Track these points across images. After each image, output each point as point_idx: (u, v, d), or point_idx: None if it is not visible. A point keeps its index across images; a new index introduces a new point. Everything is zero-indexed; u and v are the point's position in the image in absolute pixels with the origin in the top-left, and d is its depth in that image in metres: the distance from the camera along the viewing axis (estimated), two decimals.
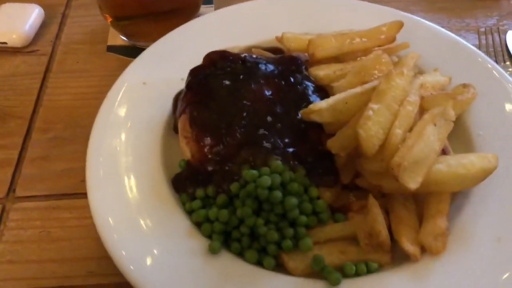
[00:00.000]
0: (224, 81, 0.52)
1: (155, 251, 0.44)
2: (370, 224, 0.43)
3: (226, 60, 0.53)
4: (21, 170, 0.58)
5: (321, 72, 0.53)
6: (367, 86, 0.46)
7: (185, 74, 0.55)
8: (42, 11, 0.74)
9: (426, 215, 0.44)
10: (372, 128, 0.43)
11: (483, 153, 0.47)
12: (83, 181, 0.53)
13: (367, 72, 0.50)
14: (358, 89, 0.46)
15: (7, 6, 0.73)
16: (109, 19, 0.69)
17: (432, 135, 0.44)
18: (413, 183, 0.42)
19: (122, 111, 0.54)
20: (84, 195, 0.52)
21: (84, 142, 0.55)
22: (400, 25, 0.56)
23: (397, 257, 0.43)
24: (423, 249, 0.43)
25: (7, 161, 0.58)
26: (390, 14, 0.62)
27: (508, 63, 0.65)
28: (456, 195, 0.47)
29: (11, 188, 0.56)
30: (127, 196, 0.48)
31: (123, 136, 0.52)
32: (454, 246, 0.43)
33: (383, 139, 0.43)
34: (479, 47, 0.67)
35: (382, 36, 0.55)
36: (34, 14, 0.72)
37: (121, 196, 0.48)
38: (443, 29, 0.62)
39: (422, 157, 0.42)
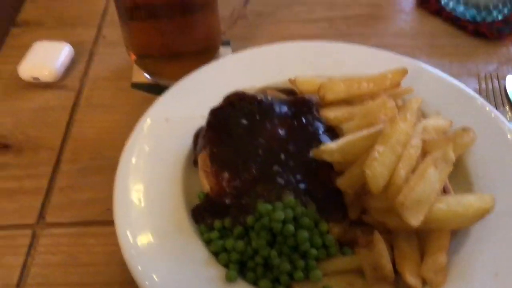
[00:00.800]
0: (241, 121, 0.56)
1: (176, 278, 0.47)
2: (376, 258, 0.47)
3: (243, 101, 0.58)
4: (50, 198, 0.61)
5: (331, 114, 0.57)
6: (373, 129, 0.50)
7: (205, 112, 0.59)
8: (71, 49, 0.79)
9: (427, 250, 0.48)
10: (377, 169, 0.47)
11: (481, 193, 0.51)
12: (108, 209, 0.58)
13: (374, 116, 0.54)
14: (365, 132, 0.50)
15: (39, 44, 0.78)
16: (134, 57, 0.75)
17: (433, 177, 0.48)
18: (415, 220, 0.45)
19: (146, 146, 0.58)
20: (108, 222, 0.56)
21: (109, 173, 0.59)
22: (404, 72, 0.60)
23: None
24: (424, 282, 0.47)
25: (37, 189, 0.62)
26: (395, 60, 0.67)
27: (507, 107, 0.69)
28: (456, 232, 0.50)
29: (41, 215, 0.60)
30: (150, 225, 0.52)
31: (147, 169, 0.56)
32: (454, 280, 0.47)
33: (387, 179, 0.47)
34: (479, 92, 0.71)
35: (388, 82, 0.59)
36: (64, 52, 0.77)
37: (145, 225, 0.51)
38: (444, 75, 0.66)
39: (423, 196, 0.46)
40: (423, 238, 0.49)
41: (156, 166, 0.57)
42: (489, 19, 0.81)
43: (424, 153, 0.51)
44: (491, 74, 0.74)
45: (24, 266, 0.55)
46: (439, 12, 0.86)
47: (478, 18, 0.82)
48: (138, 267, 0.48)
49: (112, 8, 0.89)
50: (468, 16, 0.82)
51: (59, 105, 0.73)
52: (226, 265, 0.49)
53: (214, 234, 0.50)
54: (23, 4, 0.92)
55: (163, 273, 0.48)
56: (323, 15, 0.88)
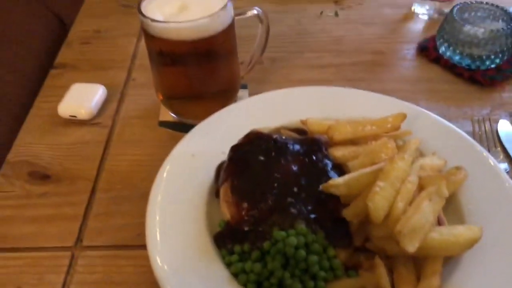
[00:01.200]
0: (259, 157, 0.63)
1: None
2: (377, 280, 0.53)
3: (261, 140, 0.65)
4: (87, 223, 0.67)
5: (339, 152, 0.64)
6: (375, 167, 0.57)
7: (226, 148, 0.66)
8: (105, 90, 0.86)
9: (422, 274, 0.53)
10: (378, 202, 0.53)
11: (470, 225, 0.57)
12: (139, 234, 0.64)
13: (376, 155, 0.61)
14: (368, 169, 0.57)
15: (77, 85, 0.86)
16: (161, 98, 0.82)
17: (427, 209, 0.54)
18: (411, 247, 0.51)
19: (174, 178, 0.65)
20: (139, 247, 0.63)
21: (139, 202, 0.66)
22: (403, 116, 0.67)
23: None
24: None
25: (75, 216, 0.68)
26: (397, 104, 0.74)
27: (498, 149, 0.76)
28: (449, 259, 0.56)
29: (79, 238, 0.65)
30: (177, 249, 0.58)
31: (174, 199, 0.63)
32: None
33: (387, 211, 0.54)
34: (473, 134, 0.77)
35: (389, 125, 0.67)
36: (98, 93, 0.85)
37: (173, 249, 0.58)
38: (441, 118, 0.72)
39: (418, 226, 0.52)
40: (419, 263, 0.54)
41: (183, 196, 0.64)
42: (483, 67, 0.89)
43: (421, 188, 0.57)
44: (484, 118, 0.80)
45: (64, 284, 0.60)
46: (438, 60, 0.93)
47: (473, 66, 0.89)
48: (167, 286, 0.54)
49: (140, 53, 0.98)
50: (463, 64, 0.90)
51: (94, 140, 0.79)
52: (244, 285, 0.54)
53: (234, 258, 0.56)
54: (59, 49, 1.01)
55: None
56: (331, 62, 0.94)
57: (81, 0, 1.19)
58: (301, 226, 0.55)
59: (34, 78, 1.05)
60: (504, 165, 0.72)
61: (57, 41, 1.18)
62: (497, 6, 0.91)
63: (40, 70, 1.07)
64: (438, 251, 0.54)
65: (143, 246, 0.58)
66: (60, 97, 0.84)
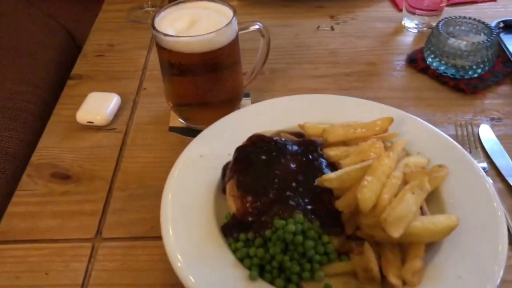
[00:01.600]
0: (261, 157, 0.69)
1: (211, 277, 0.60)
2: (366, 263, 0.59)
3: (263, 142, 0.72)
4: (105, 218, 0.74)
5: (332, 152, 0.71)
6: (364, 164, 0.64)
7: (231, 150, 0.72)
8: (119, 98, 0.93)
9: (406, 258, 0.60)
10: (367, 194, 0.60)
11: (448, 215, 0.64)
12: (153, 227, 0.71)
13: (365, 154, 0.68)
14: (358, 166, 0.64)
15: (93, 94, 0.93)
16: (171, 105, 0.89)
17: (410, 200, 0.61)
18: (396, 233, 0.58)
19: (184, 177, 0.72)
20: (153, 238, 0.69)
21: (152, 199, 0.73)
22: (391, 120, 0.74)
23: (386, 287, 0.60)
24: (404, 283, 0.59)
25: (95, 211, 0.75)
26: (386, 110, 0.80)
27: (479, 149, 0.83)
28: (431, 245, 0.63)
29: (98, 231, 0.72)
30: (189, 239, 0.64)
31: (185, 195, 0.70)
32: (427, 282, 0.59)
33: (375, 202, 0.60)
34: (456, 137, 0.83)
35: (377, 128, 0.74)
36: (114, 101, 0.92)
37: (185, 239, 0.64)
38: (425, 122, 0.79)
39: (402, 215, 0.59)
40: (403, 249, 0.61)
41: (193, 193, 0.70)
42: (466, 77, 0.96)
43: (405, 183, 0.64)
44: (466, 123, 0.87)
45: (87, 271, 0.67)
46: (425, 70, 1.00)
47: (457, 76, 0.97)
48: (181, 272, 0.61)
49: (150, 65, 1.05)
50: (449, 74, 0.97)
51: (110, 144, 0.86)
52: (249, 268, 0.60)
53: (240, 244, 0.63)
54: (69, 61, 1.09)
55: (200, 274, 0.61)
56: (327, 72, 1.01)
57: (89, 15, 1.27)
58: (299, 215, 0.62)
59: (47, 88, 1.13)
60: (483, 164, 0.80)
61: (66, 54, 1.26)
62: (479, 21, 0.99)
63: (53, 81, 1.15)
64: (420, 238, 0.60)
65: (157, 237, 0.65)
66: (78, 105, 0.92)
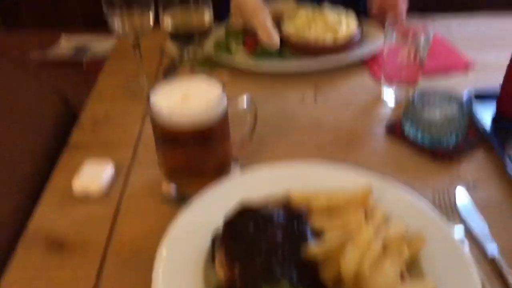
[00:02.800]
0: (248, 227, 0.74)
1: None
2: None
3: (249, 212, 0.77)
4: (99, 283, 0.76)
5: (317, 224, 0.75)
6: (346, 236, 0.69)
7: (219, 218, 0.77)
8: (113, 167, 0.98)
9: None
10: (348, 262, 0.65)
11: (426, 280, 0.68)
12: None
13: (347, 227, 0.73)
14: (339, 237, 0.69)
15: (88, 163, 0.98)
16: (164, 173, 0.94)
17: (389, 266, 0.66)
18: None
19: (176, 246, 0.76)
20: None
21: (145, 265, 0.74)
22: (370, 189, 0.80)
23: None
24: None
25: (88, 276, 0.77)
26: (367, 176, 0.86)
27: (455, 214, 0.88)
28: None
29: None
30: None
31: (176, 263, 0.74)
32: None
33: (357, 270, 0.65)
34: (433, 201, 0.89)
35: (358, 196, 0.79)
36: (108, 170, 0.97)
37: None
38: (404, 188, 0.85)
39: (381, 283, 0.64)
40: None
41: (184, 261, 0.74)
42: (442, 145, 1.03)
43: (385, 250, 0.69)
44: (443, 188, 0.93)
45: None
46: (404, 138, 1.07)
47: (434, 144, 1.03)
48: None
49: (144, 135, 1.11)
50: (425, 142, 1.04)
51: (104, 213, 0.89)
52: None
53: None
54: (66, 129, 1.14)
55: None
56: (311, 140, 1.08)
57: (86, 84, 1.34)
58: (285, 282, 0.66)
59: (43, 156, 1.16)
60: (460, 226, 0.85)
61: (63, 122, 1.31)
62: (451, 93, 1.06)
63: (49, 149, 1.19)
64: None
65: None
66: (73, 173, 0.96)
